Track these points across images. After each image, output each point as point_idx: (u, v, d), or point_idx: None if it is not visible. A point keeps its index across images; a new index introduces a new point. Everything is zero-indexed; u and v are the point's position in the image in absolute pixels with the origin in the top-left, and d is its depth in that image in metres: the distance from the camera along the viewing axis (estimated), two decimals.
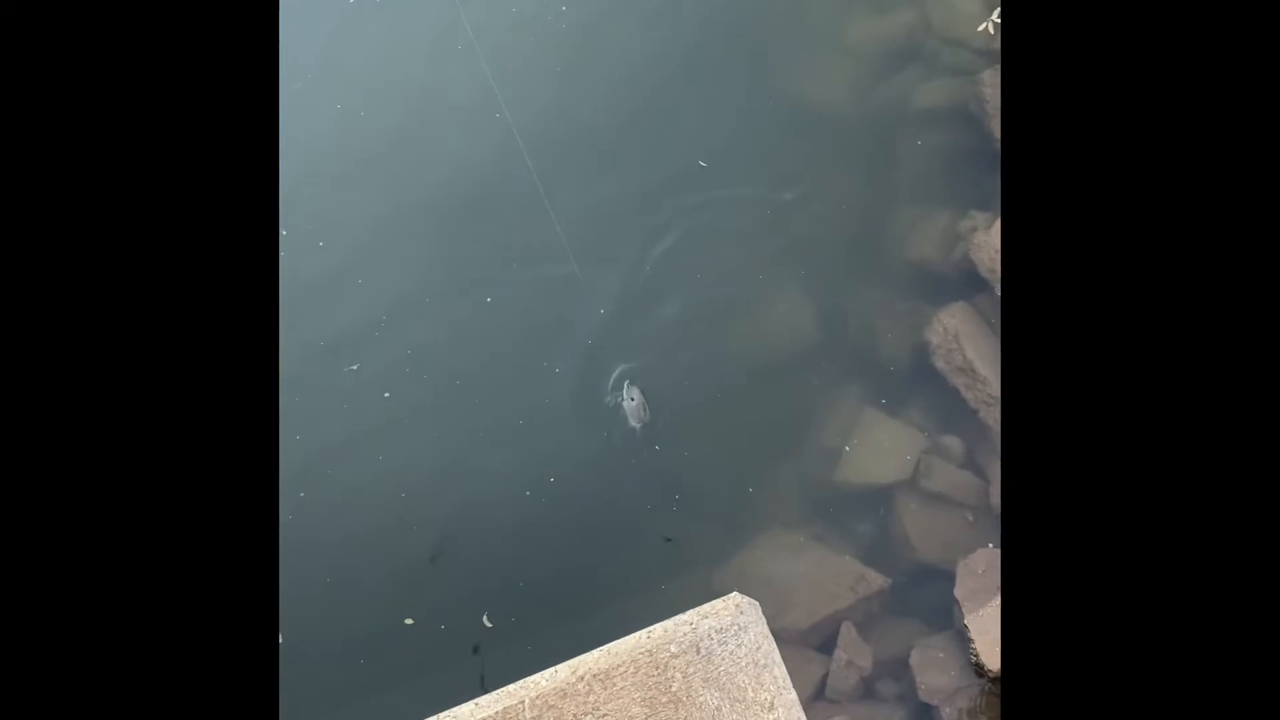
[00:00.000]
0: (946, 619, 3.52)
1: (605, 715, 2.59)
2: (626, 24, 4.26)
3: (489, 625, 3.41)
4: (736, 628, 2.72)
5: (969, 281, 3.80)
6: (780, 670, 2.71)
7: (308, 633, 3.41)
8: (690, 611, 2.76)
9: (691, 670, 2.66)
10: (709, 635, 2.71)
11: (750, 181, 4.06)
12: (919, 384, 3.77)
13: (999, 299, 3.67)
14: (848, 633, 3.51)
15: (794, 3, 4.28)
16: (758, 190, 4.04)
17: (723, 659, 2.68)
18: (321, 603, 3.48)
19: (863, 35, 4.20)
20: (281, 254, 3.81)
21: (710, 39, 4.25)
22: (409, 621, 3.43)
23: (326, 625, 3.44)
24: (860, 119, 4.10)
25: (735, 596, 2.79)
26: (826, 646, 3.52)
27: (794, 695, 2.71)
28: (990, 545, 3.51)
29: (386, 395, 3.70)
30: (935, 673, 3.42)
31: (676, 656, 2.67)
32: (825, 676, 3.46)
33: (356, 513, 3.61)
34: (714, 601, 2.78)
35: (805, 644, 3.53)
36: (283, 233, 3.83)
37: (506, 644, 3.38)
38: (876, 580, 3.56)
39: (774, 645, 2.74)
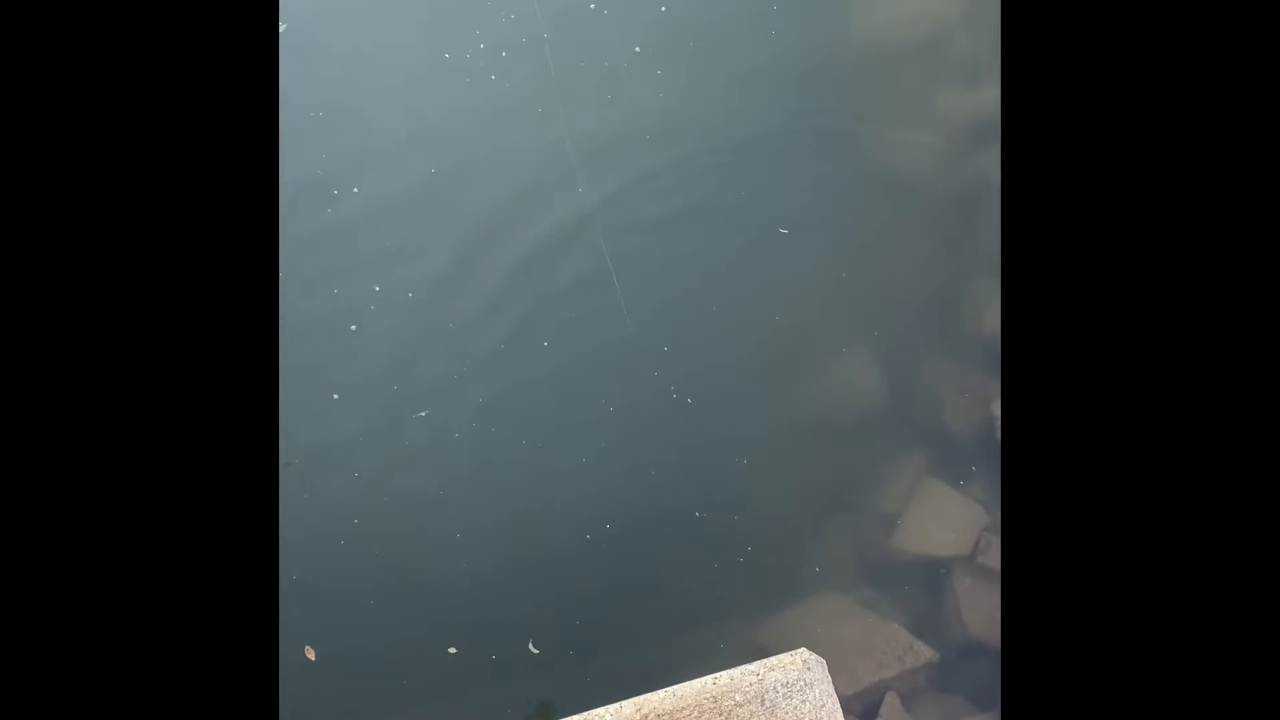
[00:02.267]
0: (992, 700, 3.45)
1: None
2: (709, 87, 4.30)
3: (535, 651, 3.37)
4: (803, 683, 2.65)
5: None
6: None
7: (348, 650, 3.39)
8: (757, 663, 2.70)
9: None
10: (774, 688, 2.64)
11: (829, 242, 4.07)
12: (983, 458, 3.73)
13: None
14: (891, 703, 3.44)
15: (885, 70, 4.31)
16: (835, 250, 4.05)
17: (786, 713, 2.62)
18: (366, 623, 3.46)
19: (953, 106, 4.22)
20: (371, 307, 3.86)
21: (796, 103, 4.28)
22: (452, 651, 3.39)
23: (370, 645, 3.41)
24: (945, 189, 4.11)
25: (803, 652, 2.72)
26: (869, 714, 3.45)
27: None
28: None
29: (456, 435, 3.71)
30: None
31: (741, 705, 2.61)
32: None
33: (405, 538, 3.60)
34: (781, 655, 2.72)
35: (848, 710, 3.45)
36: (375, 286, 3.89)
37: (560, 676, 3.34)
38: (925, 653, 3.49)
39: (838, 705, 2.67)
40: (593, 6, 4.37)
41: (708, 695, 2.62)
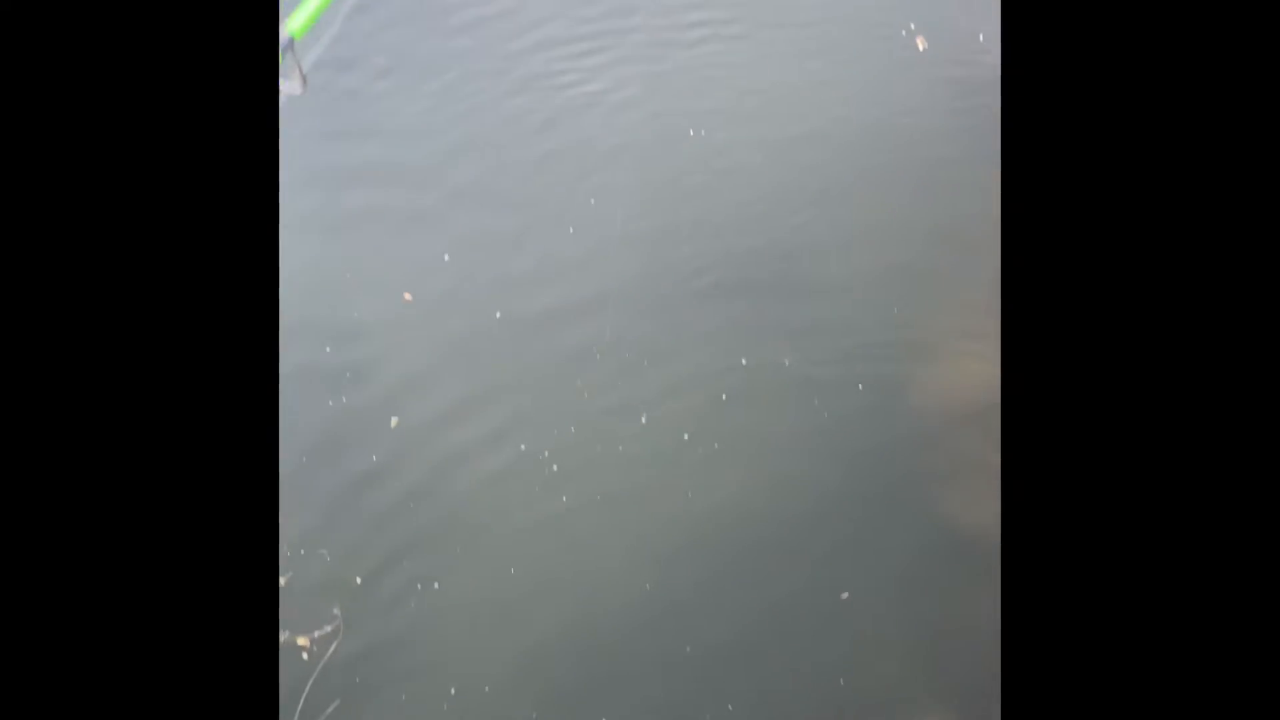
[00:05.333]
0: None
1: None
2: (779, 439, 4.51)
3: None
4: None
5: None
6: None
7: None
8: None
9: None
10: None
11: (895, 605, 4.07)
12: None
13: None
14: None
15: (943, 435, 4.47)
16: (903, 613, 4.04)
17: None
18: None
19: None
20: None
21: (862, 461, 4.43)
22: None
23: None
24: None
25: None
26: None
27: None
28: None
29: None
30: None
31: None
32: None
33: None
34: None
35: None
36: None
37: None
38: None
39: None
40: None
41: None
